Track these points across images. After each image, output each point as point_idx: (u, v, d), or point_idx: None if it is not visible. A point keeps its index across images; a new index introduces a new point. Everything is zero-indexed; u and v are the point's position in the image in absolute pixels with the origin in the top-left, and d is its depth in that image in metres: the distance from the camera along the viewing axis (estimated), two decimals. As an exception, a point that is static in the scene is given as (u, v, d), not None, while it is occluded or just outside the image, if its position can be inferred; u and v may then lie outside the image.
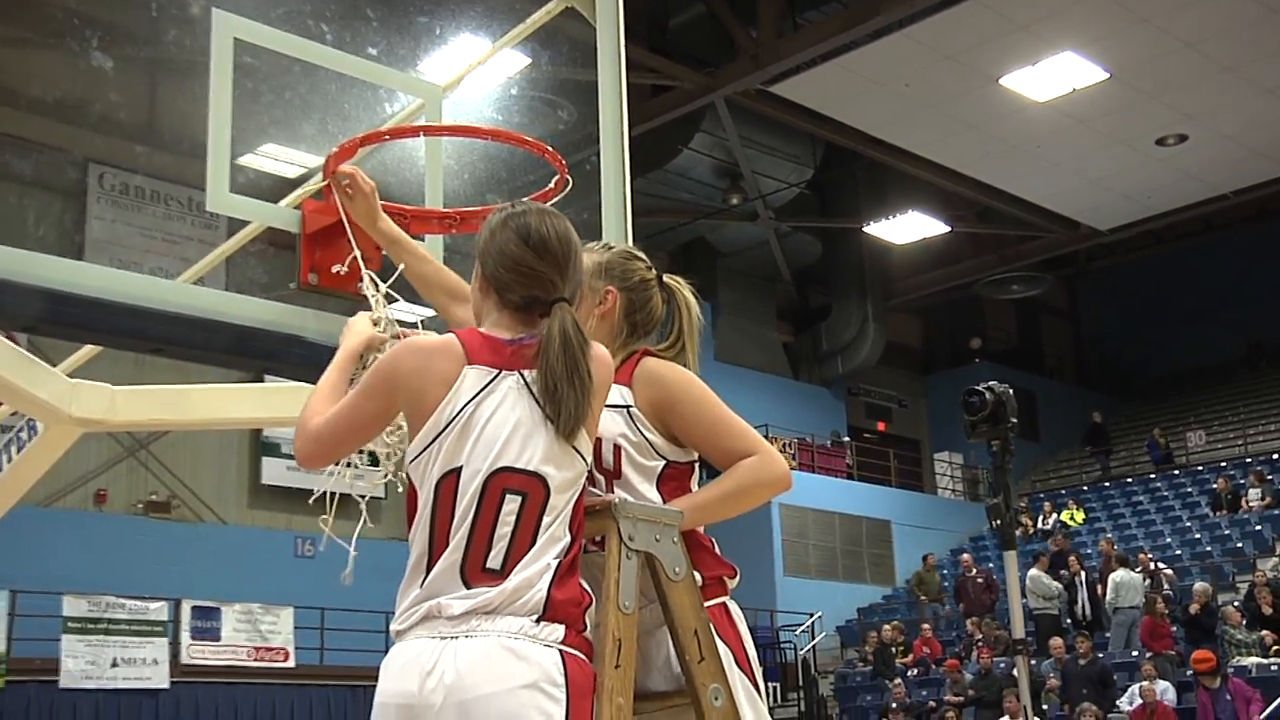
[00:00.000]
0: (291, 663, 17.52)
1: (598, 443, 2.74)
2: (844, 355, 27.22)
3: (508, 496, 2.45)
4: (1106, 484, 27.46)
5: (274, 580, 18.35)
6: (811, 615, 22.83)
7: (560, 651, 2.39)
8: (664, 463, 2.80)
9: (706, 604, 2.75)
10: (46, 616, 15.65)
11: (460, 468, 2.46)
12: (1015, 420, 5.66)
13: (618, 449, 2.77)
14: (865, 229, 24.73)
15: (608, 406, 2.75)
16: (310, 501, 3.16)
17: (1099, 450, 28.05)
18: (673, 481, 2.81)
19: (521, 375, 2.51)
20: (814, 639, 22.64)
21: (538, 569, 2.43)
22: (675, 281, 3.01)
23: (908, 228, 24.33)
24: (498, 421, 2.47)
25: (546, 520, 2.46)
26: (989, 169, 21.71)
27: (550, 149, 3.28)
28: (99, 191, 18.44)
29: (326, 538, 3.10)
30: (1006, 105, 19.26)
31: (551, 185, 3.36)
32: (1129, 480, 27.16)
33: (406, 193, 3.59)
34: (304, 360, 3.26)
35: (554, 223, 2.62)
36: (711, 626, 2.73)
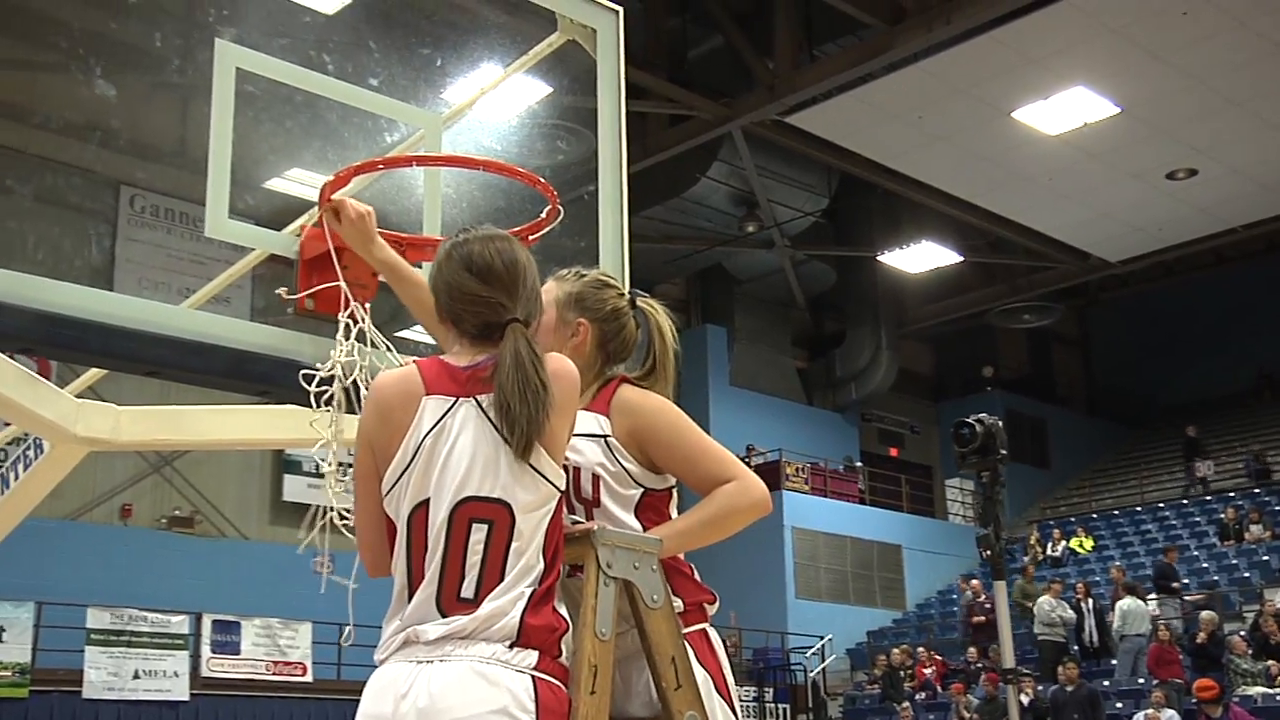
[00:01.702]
0: (309, 677, 17.50)
1: (576, 471, 2.73)
2: (857, 382, 27.17)
3: (474, 526, 2.42)
4: (1116, 512, 27.30)
5: (293, 595, 18.32)
6: (822, 638, 22.72)
7: (532, 677, 2.37)
8: (642, 491, 2.76)
9: (686, 630, 2.73)
10: (71, 628, 15.68)
11: (429, 499, 2.45)
12: (1005, 452, 5.64)
13: (596, 478, 2.74)
14: (879, 258, 24.71)
15: (586, 436, 2.73)
16: (316, 522, 3.14)
17: (1192, 464, 27.18)
18: (651, 510, 2.77)
19: (477, 401, 2.48)
20: (824, 661, 22.53)
21: (510, 598, 2.40)
22: (649, 305, 2.95)
23: (921, 257, 24.30)
24: (459, 450, 2.45)
25: (515, 546, 2.43)
26: (1001, 200, 21.67)
27: (542, 180, 3.26)
28: (130, 213, 18.55)
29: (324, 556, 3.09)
30: (1019, 138, 19.22)
31: (543, 215, 3.35)
32: (1138, 509, 26.98)
33: (405, 221, 3.59)
34: (299, 385, 3.25)
35: (498, 246, 2.59)
36: (691, 653, 2.70)
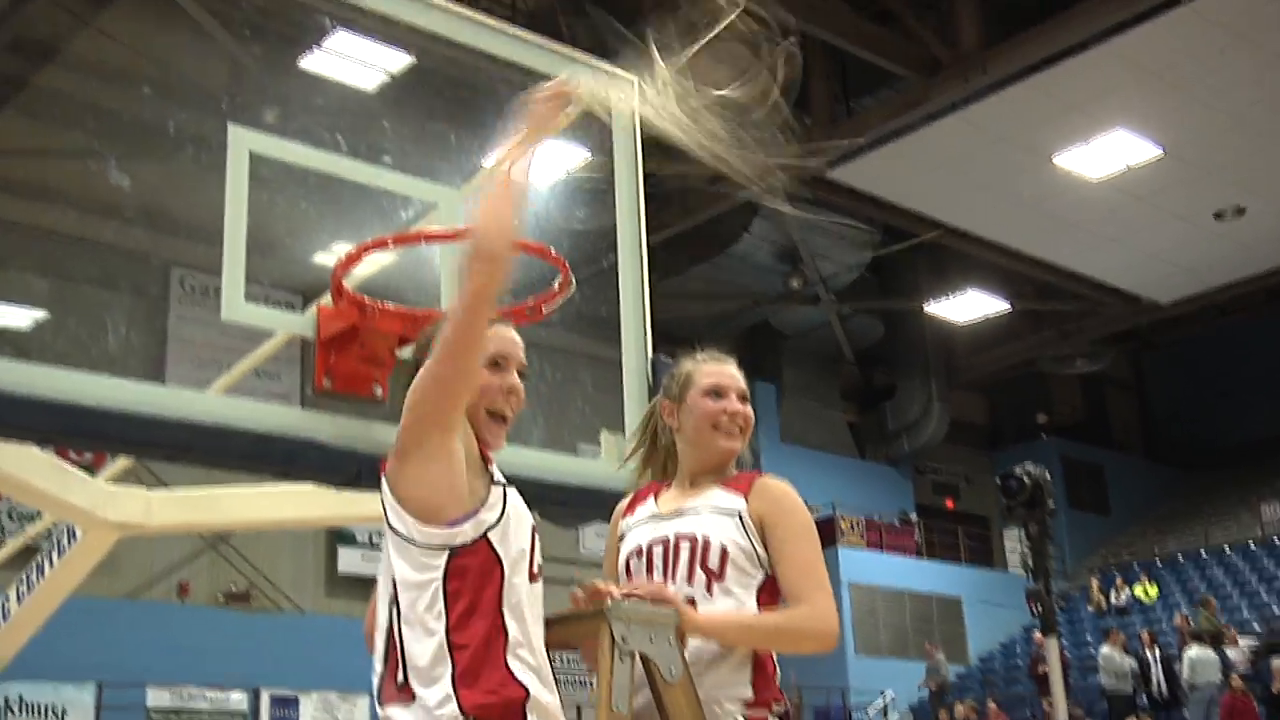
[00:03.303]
0: (368, 750, 17.47)
1: (705, 542, 2.73)
2: (910, 434, 26.94)
3: (392, 610, 2.40)
4: (1180, 557, 26.76)
5: (351, 668, 18.26)
6: (884, 694, 22.38)
7: None
8: (765, 575, 2.76)
9: (751, 714, 2.71)
10: (132, 708, 15.74)
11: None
12: (1052, 504, 5.53)
13: (725, 552, 2.73)
14: (926, 308, 24.55)
15: (722, 511, 2.75)
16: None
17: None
18: (767, 594, 2.76)
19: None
20: (886, 718, 22.16)
21: (437, 688, 2.30)
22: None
23: (968, 306, 24.12)
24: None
25: (406, 615, 2.36)
26: (1046, 246, 21.50)
27: (552, 253, 3.26)
28: (180, 293, 18.80)
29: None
30: (1061, 184, 19.09)
31: (555, 287, 3.34)
32: (1204, 554, 26.45)
33: (424, 296, 3.60)
34: (320, 464, 3.25)
35: None
36: None
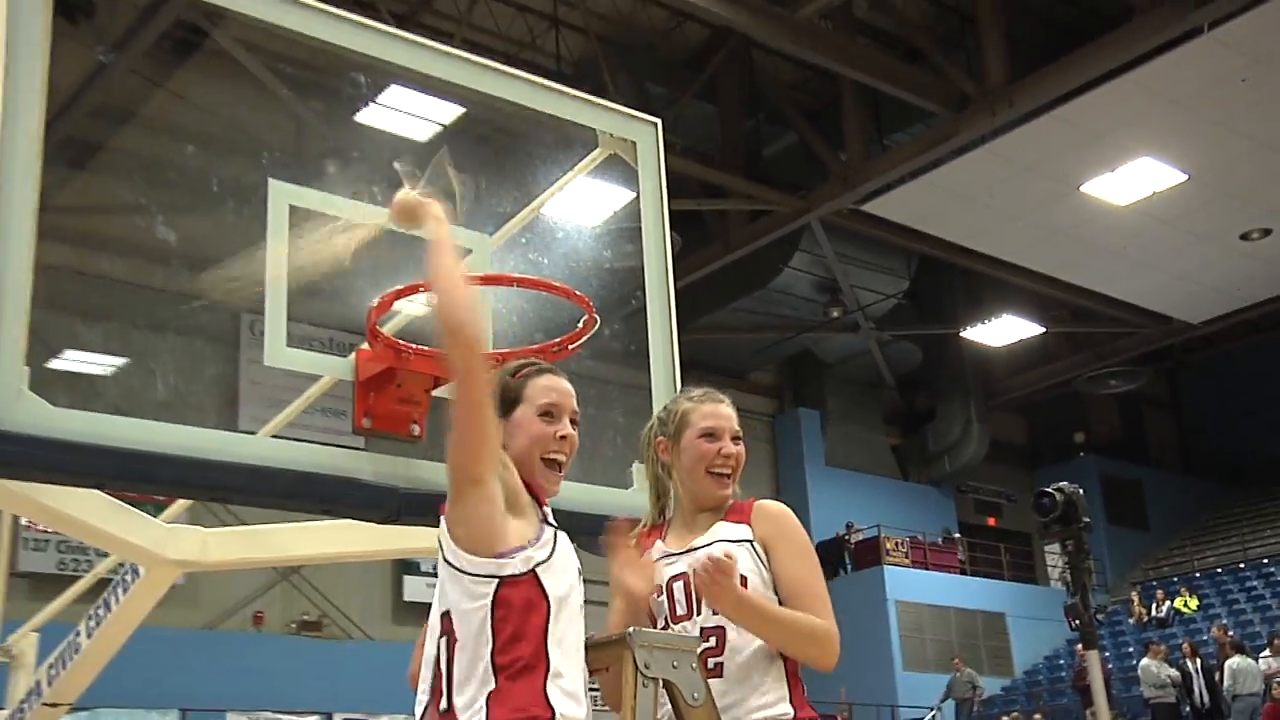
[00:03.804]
0: (436, 771, 17.41)
1: None
2: (951, 455, 26.70)
3: (440, 642, 2.44)
4: (1219, 570, 26.28)
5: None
6: (932, 709, 22.09)
7: None
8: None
9: None
10: (212, 734, 15.85)
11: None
12: (1087, 520, 5.44)
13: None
14: (963, 334, 24.35)
15: (735, 541, 2.74)
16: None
17: None
18: None
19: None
20: (936, 732, 21.85)
21: (471, 712, 2.34)
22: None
23: (1004, 331, 23.88)
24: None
25: (459, 647, 2.39)
26: (1077, 271, 21.28)
27: (576, 293, 3.26)
28: (250, 338, 18.96)
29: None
30: (1089, 211, 18.92)
31: (580, 325, 3.34)
32: (1242, 566, 25.96)
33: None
34: (361, 502, 3.26)
35: None
36: None
